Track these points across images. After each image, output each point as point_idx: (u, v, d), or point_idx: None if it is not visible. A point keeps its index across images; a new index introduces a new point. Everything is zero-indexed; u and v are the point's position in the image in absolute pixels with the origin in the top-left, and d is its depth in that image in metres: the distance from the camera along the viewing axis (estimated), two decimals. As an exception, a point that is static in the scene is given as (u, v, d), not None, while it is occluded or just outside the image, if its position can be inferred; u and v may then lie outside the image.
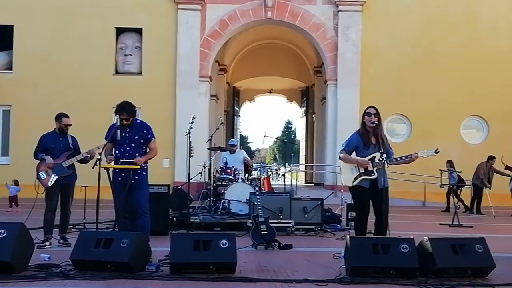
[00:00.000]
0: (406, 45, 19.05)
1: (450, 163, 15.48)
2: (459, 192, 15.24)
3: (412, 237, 5.78)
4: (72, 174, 7.65)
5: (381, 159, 6.41)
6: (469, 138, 19.49)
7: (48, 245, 7.42)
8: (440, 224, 11.76)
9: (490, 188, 15.02)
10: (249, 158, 12.13)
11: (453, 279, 5.36)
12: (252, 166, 12.14)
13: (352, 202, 7.37)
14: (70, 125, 7.75)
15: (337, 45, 19.01)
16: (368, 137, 6.60)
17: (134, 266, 5.52)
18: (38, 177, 7.54)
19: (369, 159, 6.52)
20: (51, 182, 7.49)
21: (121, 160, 6.73)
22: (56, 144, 7.64)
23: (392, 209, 6.90)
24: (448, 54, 18.97)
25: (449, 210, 15.27)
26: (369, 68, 18.78)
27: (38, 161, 7.62)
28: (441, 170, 14.79)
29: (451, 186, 15.09)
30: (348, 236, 5.95)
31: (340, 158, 6.79)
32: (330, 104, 19.38)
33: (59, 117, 7.72)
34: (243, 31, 20.85)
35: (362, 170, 6.52)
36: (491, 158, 15.38)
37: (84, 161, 7.65)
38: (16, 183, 12.72)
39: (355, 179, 6.55)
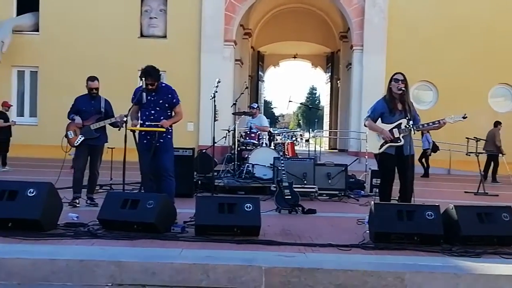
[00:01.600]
0: (433, 11, 18.64)
1: None
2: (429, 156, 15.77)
3: (437, 204, 5.74)
4: (100, 137, 7.74)
5: (407, 126, 6.34)
6: (497, 106, 19.17)
7: (77, 204, 7.60)
8: (466, 192, 11.67)
9: (504, 154, 14.86)
10: (264, 125, 12.04)
11: (478, 247, 5.33)
12: (269, 132, 12.08)
13: (377, 169, 7.33)
14: (97, 88, 7.81)
15: (364, 10, 18.69)
16: (395, 104, 6.52)
17: (160, 227, 5.60)
18: (66, 135, 7.73)
19: (395, 126, 6.46)
20: (77, 142, 7.66)
21: (146, 123, 6.77)
22: (87, 107, 7.77)
23: (417, 176, 6.85)
24: (476, 22, 18.55)
25: (427, 175, 15.56)
26: (396, 34, 18.46)
27: (69, 121, 7.75)
28: (467, 138, 14.58)
29: (424, 150, 15.84)
30: (372, 202, 5.94)
31: (365, 125, 6.74)
32: (355, 70, 19.16)
33: (86, 80, 7.82)
34: (269, -5, 20.57)
35: (388, 137, 6.46)
36: (499, 123, 15.28)
37: (115, 125, 7.72)
38: None
39: (381, 146, 6.50)
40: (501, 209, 5.79)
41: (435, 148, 15.77)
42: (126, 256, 4.69)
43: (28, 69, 19.36)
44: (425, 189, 11.07)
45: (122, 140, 6.55)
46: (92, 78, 7.82)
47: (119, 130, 7.56)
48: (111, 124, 7.74)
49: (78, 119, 7.68)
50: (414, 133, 6.47)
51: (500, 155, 14.84)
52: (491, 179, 14.72)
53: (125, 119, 6.94)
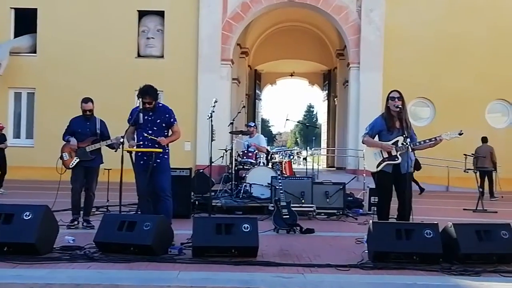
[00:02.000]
0: (429, 28, 18.75)
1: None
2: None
3: (436, 222, 5.71)
4: (95, 159, 7.73)
5: (404, 143, 6.33)
6: (494, 122, 19.19)
7: (77, 224, 7.64)
8: (464, 209, 11.63)
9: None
10: (262, 145, 12.00)
11: (478, 265, 5.30)
12: (267, 152, 12.06)
13: (375, 187, 7.30)
14: (91, 109, 7.80)
15: (360, 28, 18.78)
16: (393, 121, 6.52)
17: (156, 249, 5.56)
18: (61, 157, 7.71)
19: (392, 143, 6.45)
20: (72, 164, 7.67)
21: (145, 143, 6.75)
22: (82, 128, 7.77)
23: (416, 193, 6.83)
24: (472, 37, 18.66)
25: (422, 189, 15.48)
26: (392, 52, 18.54)
27: (65, 142, 7.74)
28: (465, 154, 14.58)
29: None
30: (371, 221, 5.91)
31: (363, 142, 6.74)
32: (352, 87, 19.21)
33: (81, 102, 7.83)
34: (265, 14, 20.69)
35: (385, 155, 6.46)
36: (487, 139, 15.40)
37: (111, 147, 7.70)
38: None
39: (379, 164, 6.48)
40: (500, 226, 5.76)
41: (417, 166, 15.57)
42: (123, 279, 4.66)
43: (25, 90, 19.36)
44: (423, 206, 11.03)
45: (119, 161, 6.52)
46: (86, 100, 7.81)
47: (115, 151, 7.53)
48: (107, 146, 7.73)
49: (73, 141, 7.67)
50: (411, 151, 6.46)
51: (495, 171, 14.89)
52: (488, 195, 14.70)
53: (121, 140, 6.92)
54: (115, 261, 5.31)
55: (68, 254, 5.58)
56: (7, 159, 13.27)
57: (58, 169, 7.64)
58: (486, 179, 14.97)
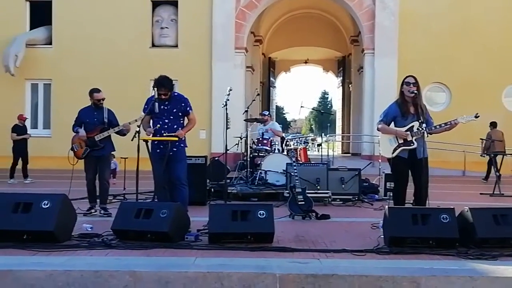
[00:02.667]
0: (444, 12, 18.53)
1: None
2: None
3: (452, 207, 5.69)
4: (105, 147, 7.81)
5: (420, 128, 6.30)
6: (511, 106, 18.96)
7: (94, 212, 7.79)
8: (481, 193, 11.56)
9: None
10: (277, 130, 12.07)
11: (495, 250, 5.27)
12: (282, 138, 12.13)
13: (390, 172, 7.29)
14: (103, 98, 7.94)
15: (374, 14, 18.64)
16: (407, 107, 6.48)
17: (173, 236, 5.61)
18: (72, 148, 7.86)
19: (408, 129, 6.42)
20: (83, 154, 7.80)
21: (161, 132, 6.80)
22: (90, 119, 7.89)
23: (432, 178, 6.81)
24: (487, 21, 18.40)
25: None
26: (407, 37, 18.38)
27: (74, 134, 7.85)
28: (481, 139, 14.48)
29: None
30: (386, 206, 5.91)
31: (378, 129, 6.71)
32: (367, 73, 19.09)
33: (91, 92, 7.96)
34: (278, 2, 20.58)
35: (401, 141, 6.43)
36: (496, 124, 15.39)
37: (120, 133, 7.82)
38: (113, 156, 12.80)
39: (394, 150, 6.46)
40: (517, 210, 5.72)
41: None
42: (140, 266, 4.71)
43: (41, 82, 19.54)
44: (440, 191, 10.99)
45: (135, 150, 6.58)
46: (97, 90, 7.95)
47: (124, 135, 7.66)
48: (117, 133, 7.82)
49: (82, 132, 7.82)
50: (427, 136, 6.43)
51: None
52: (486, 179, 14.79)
53: (133, 124, 6.99)
54: (132, 248, 5.38)
55: (86, 241, 5.65)
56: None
57: (70, 159, 7.78)
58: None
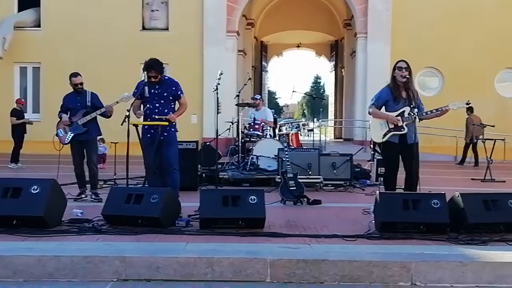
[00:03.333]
0: (438, -4, 18.47)
1: None
2: None
3: (443, 192, 5.70)
4: (89, 131, 7.74)
5: (411, 113, 6.28)
6: (503, 91, 19.02)
7: (84, 197, 7.76)
8: (472, 179, 11.62)
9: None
10: (269, 120, 11.99)
11: (485, 235, 5.31)
12: (275, 125, 12.09)
13: (381, 157, 7.28)
14: (81, 83, 7.85)
15: (367, -3, 18.53)
16: (399, 91, 6.45)
17: (164, 221, 5.59)
18: (56, 134, 7.81)
19: (399, 114, 6.39)
20: (67, 139, 7.76)
21: (152, 116, 6.74)
22: (74, 104, 7.84)
23: (423, 164, 6.82)
24: (480, 6, 18.41)
25: None
26: (400, 21, 18.32)
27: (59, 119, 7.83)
28: (474, 124, 14.52)
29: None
30: (377, 191, 5.90)
31: (369, 113, 6.68)
32: (359, 58, 19.05)
33: (69, 77, 7.88)
34: (271, -16, 20.44)
35: (391, 126, 6.41)
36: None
37: (104, 115, 7.74)
38: (103, 141, 12.81)
39: (385, 135, 6.44)
40: (507, 195, 5.74)
41: None
42: (130, 251, 4.69)
43: (30, 65, 19.36)
44: (431, 177, 11.02)
45: (125, 134, 6.52)
46: (75, 74, 7.87)
47: (109, 117, 7.62)
48: (101, 115, 7.75)
49: (64, 117, 7.78)
50: (419, 121, 6.41)
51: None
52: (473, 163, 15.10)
53: (112, 107, 6.95)
54: (123, 233, 5.36)
55: (77, 227, 5.63)
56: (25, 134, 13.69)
57: (56, 145, 7.72)
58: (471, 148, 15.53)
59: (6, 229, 5.33)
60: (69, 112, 7.82)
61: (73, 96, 7.88)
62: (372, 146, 15.49)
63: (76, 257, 4.54)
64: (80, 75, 7.87)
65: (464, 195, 5.66)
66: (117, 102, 7.56)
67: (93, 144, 7.90)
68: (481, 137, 13.57)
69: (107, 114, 7.75)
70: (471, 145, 15.60)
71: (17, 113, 13.73)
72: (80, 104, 7.80)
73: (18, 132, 13.55)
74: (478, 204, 5.56)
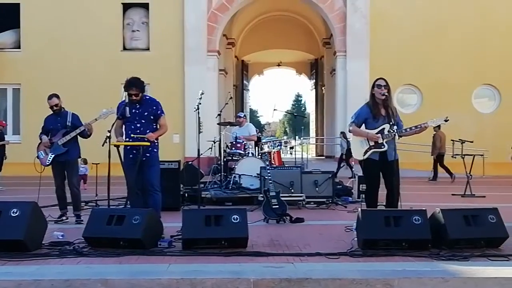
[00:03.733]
0: (415, 14, 18.84)
1: (342, 134, 16.94)
2: (349, 159, 16.14)
3: (424, 208, 5.75)
4: (69, 151, 7.67)
5: (391, 131, 6.35)
6: (481, 107, 19.32)
7: (65, 219, 7.65)
8: (453, 194, 11.72)
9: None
10: (252, 135, 12.04)
11: (466, 250, 5.35)
12: (259, 139, 12.13)
13: (362, 175, 7.33)
14: (56, 104, 7.76)
15: (345, 16, 18.81)
16: (378, 109, 6.52)
17: (146, 242, 5.55)
18: (37, 156, 7.74)
19: (379, 131, 6.46)
20: (48, 160, 7.68)
21: (132, 135, 6.71)
22: (54, 125, 7.78)
23: (404, 180, 6.87)
24: (458, 24, 18.77)
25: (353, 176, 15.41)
26: (379, 39, 18.59)
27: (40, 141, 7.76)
28: (453, 140, 14.68)
29: (342, 154, 16.98)
30: (359, 208, 5.94)
31: (349, 131, 6.75)
32: (339, 76, 19.24)
33: (47, 100, 7.79)
34: (250, 4, 20.63)
35: (372, 143, 6.47)
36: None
37: (84, 135, 7.68)
38: (85, 161, 12.75)
39: (365, 152, 6.50)
40: (487, 211, 5.81)
41: (349, 153, 15.60)
42: (112, 273, 4.64)
43: (10, 86, 19.21)
44: (411, 193, 11.10)
45: (107, 155, 6.49)
46: (50, 97, 7.81)
47: (88, 137, 7.57)
48: (80, 135, 7.69)
49: (44, 138, 7.71)
50: (398, 138, 6.49)
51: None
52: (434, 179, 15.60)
53: (91, 125, 6.97)
54: (104, 256, 5.29)
55: (57, 249, 5.55)
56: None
57: (37, 167, 7.64)
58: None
59: (-15, 254, 5.24)
60: (49, 134, 7.76)
61: (53, 117, 7.83)
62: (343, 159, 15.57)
63: (56, 281, 4.48)
64: (56, 96, 7.78)
65: (444, 211, 5.71)
66: (96, 120, 7.52)
67: (73, 165, 7.82)
68: (459, 153, 13.72)
69: (86, 133, 7.66)
70: (438, 161, 16.06)
71: None
72: (60, 124, 7.74)
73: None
74: (459, 219, 5.61)
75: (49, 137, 7.71)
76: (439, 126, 15.70)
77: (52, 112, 7.84)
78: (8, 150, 14.12)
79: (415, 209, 5.89)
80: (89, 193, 10.48)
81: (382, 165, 6.43)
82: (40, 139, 7.76)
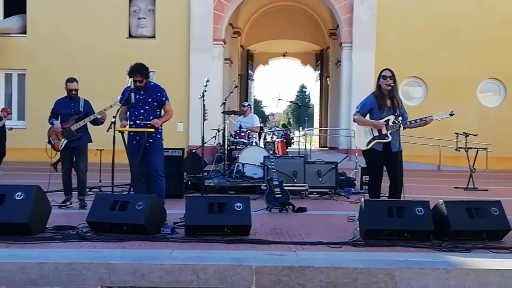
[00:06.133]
0: (422, 7, 18.71)
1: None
2: None
3: (427, 200, 5.76)
4: (81, 137, 7.70)
5: (396, 122, 6.35)
6: (486, 101, 19.26)
7: (69, 205, 7.68)
8: (455, 187, 11.72)
9: None
10: (255, 126, 12.08)
11: (468, 242, 5.36)
12: (261, 129, 12.18)
13: (366, 165, 7.34)
14: (76, 89, 7.79)
15: (352, 7, 18.69)
16: (384, 100, 6.52)
17: (149, 228, 5.58)
18: (49, 141, 7.70)
19: (384, 122, 6.46)
20: (61, 146, 7.69)
21: (137, 122, 6.73)
22: (67, 109, 7.77)
23: (407, 172, 6.88)
24: (463, 16, 18.65)
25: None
26: (385, 31, 18.49)
27: (50, 126, 7.72)
28: (456, 133, 14.62)
29: None
30: (362, 199, 5.95)
31: (354, 120, 6.74)
32: (345, 67, 19.17)
33: (66, 82, 7.81)
34: (257, -7, 20.54)
35: (376, 134, 6.47)
36: None
37: (97, 122, 7.71)
38: None
39: (369, 142, 6.50)
40: (490, 203, 5.82)
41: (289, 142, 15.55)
42: (115, 258, 4.67)
43: (15, 71, 19.21)
44: (415, 185, 11.11)
45: (111, 141, 6.50)
46: (71, 80, 7.80)
47: (101, 124, 7.56)
48: (92, 122, 7.72)
49: (56, 124, 7.70)
50: (403, 129, 6.48)
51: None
52: None
53: (108, 110, 6.88)
54: (107, 240, 5.33)
55: (61, 233, 5.59)
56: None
57: (48, 152, 7.66)
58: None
59: (-11, 236, 5.28)
60: (59, 118, 7.75)
61: (66, 101, 7.81)
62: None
63: (60, 264, 4.51)
64: (76, 81, 7.80)
65: (447, 203, 5.72)
66: (111, 106, 7.51)
67: (83, 150, 7.83)
68: (463, 146, 13.68)
69: (99, 121, 7.70)
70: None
71: None
72: (73, 110, 7.75)
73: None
74: (462, 211, 5.63)
75: (58, 121, 7.71)
76: None
77: (64, 96, 7.83)
78: (12, 136, 14.15)
79: (418, 200, 5.90)
80: (93, 179, 10.51)
81: (386, 156, 6.43)
82: (52, 124, 7.74)
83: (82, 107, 7.77)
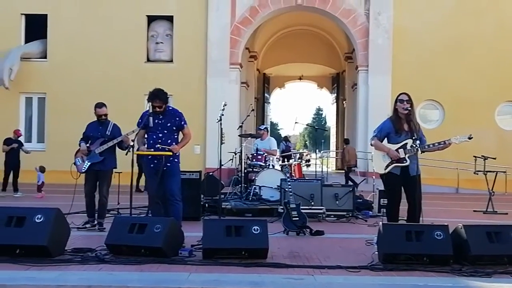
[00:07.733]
0: (437, 30, 18.72)
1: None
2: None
3: (446, 224, 5.70)
4: (104, 161, 7.78)
5: (414, 145, 6.34)
6: (504, 124, 19.10)
7: (89, 227, 7.72)
8: (474, 211, 11.59)
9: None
10: (273, 149, 12.09)
11: (488, 267, 5.28)
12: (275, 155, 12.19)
13: (384, 189, 7.30)
14: (105, 114, 7.92)
15: (368, 31, 18.78)
16: (401, 124, 6.52)
17: (167, 251, 5.59)
18: (74, 163, 7.83)
19: (401, 146, 6.45)
20: (84, 167, 7.77)
21: (155, 145, 6.80)
22: (94, 132, 7.91)
23: (425, 196, 6.83)
24: (480, 39, 18.60)
25: None
26: (401, 54, 18.52)
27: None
28: (475, 156, 14.50)
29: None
30: (380, 222, 5.91)
31: (371, 145, 6.74)
32: (361, 90, 19.19)
33: (94, 107, 7.97)
34: (273, 18, 20.72)
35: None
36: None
37: (121, 147, 7.79)
38: (42, 169, 13.21)
39: (387, 166, 6.48)
40: (510, 228, 5.74)
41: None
42: (133, 281, 4.69)
43: (36, 95, 19.53)
44: (433, 208, 11.01)
45: (129, 164, 6.56)
46: (99, 105, 7.94)
47: (126, 154, 7.60)
48: (118, 146, 7.81)
49: (83, 146, 7.84)
50: (421, 153, 6.46)
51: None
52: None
53: (129, 136, 6.99)
54: (125, 263, 5.35)
55: (80, 256, 5.63)
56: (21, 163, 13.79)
57: (73, 173, 7.74)
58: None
59: (9, 258, 5.33)
60: (89, 141, 7.88)
61: (95, 124, 7.98)
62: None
63: (78, 287, 4.54)
64: (105, 105, 7.95)
65: (467, 227, 5.66)
66: (134, 131, 7.57)
67: (106, 175, 7.89)
68: (481, 169, 13.51)
69: (124, 146, 7.76)
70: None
71: (9, 141, 13.83)
72: (100, 133, 7.88)
73: (8, 160, 13.60)
74: (481, 236, 5.56)
75: (88, 144, 7.83)
76: (347, 142, 18.21)
77: (95, 120, 7.95)
78: (32, 158, 14.35)
79: (436, 224, 5.85)
80: (111, 201, 10.58)
81: (404, 180, 6.41)
82: (79, 145, 7.88)
83: (110, 131, 7.89)
